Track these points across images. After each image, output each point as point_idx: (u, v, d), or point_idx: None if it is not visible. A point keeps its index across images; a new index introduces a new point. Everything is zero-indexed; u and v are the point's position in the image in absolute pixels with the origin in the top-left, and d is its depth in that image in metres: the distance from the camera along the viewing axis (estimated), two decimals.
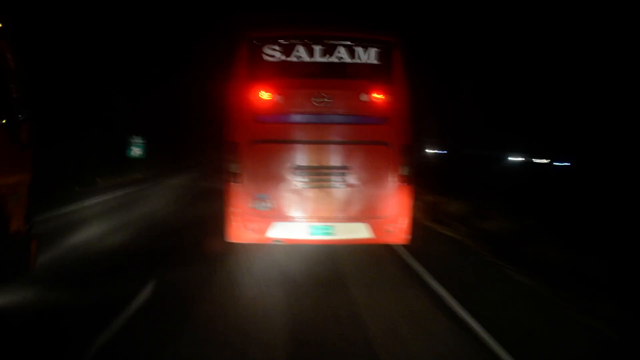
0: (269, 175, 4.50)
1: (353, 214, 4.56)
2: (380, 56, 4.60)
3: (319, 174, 4.52)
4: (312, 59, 4.56)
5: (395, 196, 4.56)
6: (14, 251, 3.28)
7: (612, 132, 21.09)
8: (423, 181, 7.29)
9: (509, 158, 29.13)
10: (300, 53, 4.56)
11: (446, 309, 3.71)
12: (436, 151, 27.57)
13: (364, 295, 4.05)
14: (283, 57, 4.55)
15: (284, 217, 4.53)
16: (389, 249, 5.28)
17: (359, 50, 4.59)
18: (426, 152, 24.39)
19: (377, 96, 4.52)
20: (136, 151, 14.81)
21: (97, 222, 6.71)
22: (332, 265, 4.86)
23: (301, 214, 4.54)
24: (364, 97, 4.51)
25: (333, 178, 4.53)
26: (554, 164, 26.44)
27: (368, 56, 4.60)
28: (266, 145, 4.49)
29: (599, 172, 17.27)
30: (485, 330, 3.21)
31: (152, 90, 14.46)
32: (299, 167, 4.49)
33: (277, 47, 4.54)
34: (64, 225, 6.42)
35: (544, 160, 27.91)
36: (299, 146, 4.52)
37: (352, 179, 4.52)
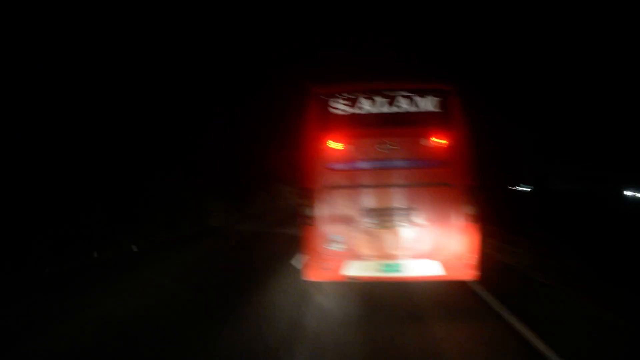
0: (341, 218, 4.88)
1: (421, 251, 4.82)
2: (439, 104, 4.97)
3: (387, 215, 4.85)
4: (375, 110, 4.99)
5: (462, 234, 4.79)
6: None
7: None
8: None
9: (628, 192, 21.87)
10: (364, 105, 5.01)
11: None
12: (519, 187, 24.23)
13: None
14: (348, 110, 5.02)
15: (356, 256, 4.86)
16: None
17: (418, 99, 4.98)
18: (508, 188, 21.42)
19: (438, 141, 4.86)
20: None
21: None
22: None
23: (372, 253, 4.85)
24: (425, 143, 4.86)
25: (400, 218, 4.84)
26: None
27: (427, 104, 4.97)
28: (337, 190, 4.90)
29: None
30: None
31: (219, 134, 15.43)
32: (369, 209, 4.85)
33: (342, 101, 5.03)
34: None
35: None
36: (368, 190, 4.88)
37: (418, 218, 4.82)
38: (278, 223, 14.18)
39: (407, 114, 4.98)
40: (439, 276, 4.81)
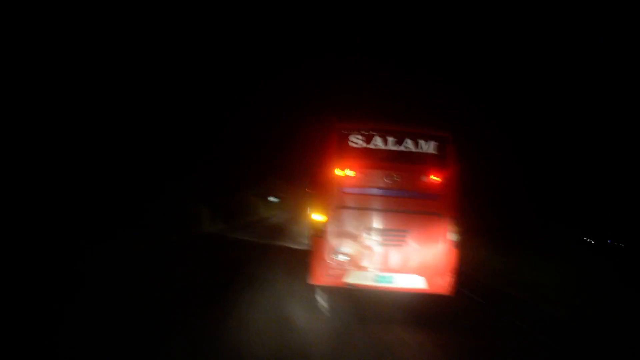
0: (347, 233, 5.84)
1: (411, 268, 5.84)
2: (437, 147, 6.02)
3: (386, 234, 5.84)
4: (386, 147, 6.00)
5: (445, 256, 5.85)
6: None
7: None
8: None
9: None
10: (377, 141, 6.00)
11: None
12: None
13: None
14: (363, 144, 5.99)
15: (357, 267, 5.82)
16: None
17: (422, 142, 6.02)
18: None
19: (434, 178, 5.91)
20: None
21: None
22: None
23: (370, 265, 5.83)
24: (424, 178, 5.90)
25: (397, 238, 5.84)
26: None
27: (428, 147, 6.02)
28: (347, 210, 5.85)
29: None
30: None
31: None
32: (371, 229, 5.83)
33: (359, 136, 6.00)
34: None
35: None
36: (373, 212, 5.86)
37: (411, 240, 5.84)
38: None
39: (411, 153, 6.01)
40: (422, 289, 5.85)
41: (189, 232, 13.43)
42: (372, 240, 5.83)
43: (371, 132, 6.02)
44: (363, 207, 5.88)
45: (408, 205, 5.89)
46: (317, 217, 5.93)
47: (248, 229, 18.50)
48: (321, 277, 5.89)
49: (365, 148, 6.00)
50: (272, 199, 24.97)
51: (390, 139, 6.01)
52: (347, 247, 5.83)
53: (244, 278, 7.63)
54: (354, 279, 5.84)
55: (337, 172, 5.87)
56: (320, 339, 4.81)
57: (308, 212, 9.27)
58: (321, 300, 6.25)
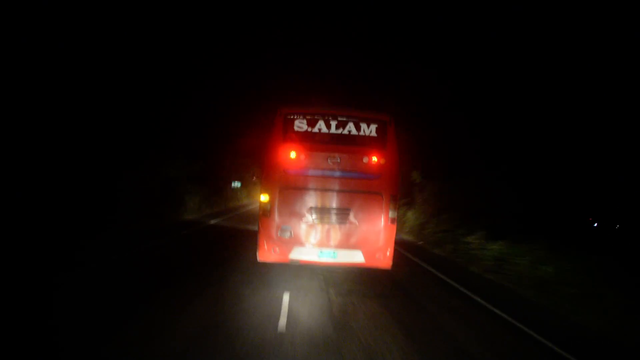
0: (292, 212, 6.18)
1: (352, 244, 6.19)
2: (377, 130, 6.38)
3: (328, 213, 6.20)
4: (329, 131, 6.35)
5: (384, 232, 6.20)
6: None
7: None
8: None
9: None
10: (320, 126, 6.35)
11: None
12: None
13: None
14: (308, 128, 6.35)
15: (300, 243, 6.17)
16: None
17: (363, 125, 6.38)
18: None
19: (374, 159, 6.26)
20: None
21: None
22: None
23: (313, 242, 6.18)
24: (365, 160, 6.25)
25: (339, 216, 6.20)
26: None
27: (369, 130, 6.38)
28: (292, 190, 6.20)
29: None
30: None
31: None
32: (315, 207, 6.18)
33: (304, 121, 6.35)
34: None
35: None
36: (316, 192, 6.21)
37: (352, 218, 6.20)
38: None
39: (353, 136, 6.37)
40: (361, 263, 6.20)
41: (171, 218, 14.08)
42: (316, 219, 6.17)
43: (315, 117, 6.37)
44: (307, 188, 6.22)
45: (350, 185, 6.25)
46: (264, 197, 6.27)
47: (227, 214, 19.08)
48: (268, 255, 6.23)
49: (309, 132, 6.34)
50: (235, 183, 25.26)
51: (333, 123, 6.36)
52: (291, 225, 6.17)
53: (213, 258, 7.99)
54: (299, 255, 6.18)
55: (282, 154, 6.22)
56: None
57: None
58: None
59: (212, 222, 15.26)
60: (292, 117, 6.36)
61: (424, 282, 7.87)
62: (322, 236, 6.19)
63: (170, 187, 15.00)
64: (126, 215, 10.89)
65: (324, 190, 6.23)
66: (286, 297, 5.70)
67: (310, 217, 6.18)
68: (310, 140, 6.32)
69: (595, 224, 24.11)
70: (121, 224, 10.45)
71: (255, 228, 7.01)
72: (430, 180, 15.51)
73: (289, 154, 6.21)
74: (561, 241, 9.98)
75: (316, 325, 4.83)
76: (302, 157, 6.21)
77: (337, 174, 6.24)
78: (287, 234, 6.17)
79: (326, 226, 6.20)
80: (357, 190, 6.27)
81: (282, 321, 4.80)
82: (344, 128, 6.37)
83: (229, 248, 9.70)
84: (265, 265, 6.77)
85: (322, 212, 6.19)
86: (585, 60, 14.22)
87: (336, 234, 6.20)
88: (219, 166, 22.21)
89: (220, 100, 17.60)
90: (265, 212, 6.21)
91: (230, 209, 22.12)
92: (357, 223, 6.21)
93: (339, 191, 6.24)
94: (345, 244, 6.19)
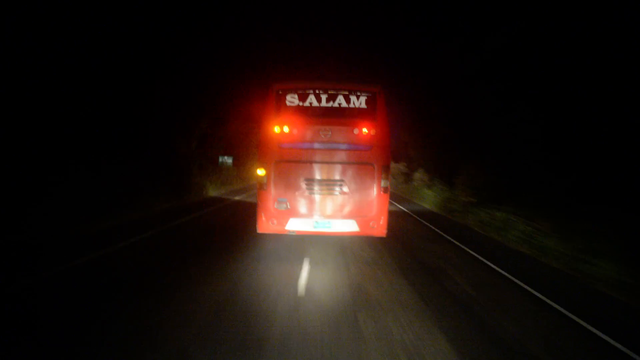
0: (287, 185, 6.42)
1: (346, 213, 6.42)
2: (367, 102, 6.48)
3: (322, 184, 6.41)
4: (320, 104, 6.49)
5: (377, 202, 6.39)
6: None
7: None
8: None
9: None
10: (312, 100, 6.49)
11: None
12: None
13: None
14: (299, 103, 6.50)
15: (296, 215, 6.43)
16: None
17: (353, 97, 6.49)
18: None
19: (366, 131, 6.39)
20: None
21: None
22: None
23: (309, 213, 6.43)
24: (356, 131, 6.39)
25: (332, 187, 6.41)
26: None
27: (359, 102, 6.49)
28: (287, 164, 6.42)
29: None
30: None
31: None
32: (309, 179, 6.40)
33: (295, 95, 6.50)
34: None
35: None
36: (309, 165, 6.42)
37: (346, 188, 6.40)
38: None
39: (343, 109, 6.49)
40: (356, 232, 6.43)
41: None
42: (310, 190, 6.41)
43: (306, 92, 6.51)
44: (300, 161, 6.43)
45: (342, 157, 6.42)
46: (260, 171, 6.52)
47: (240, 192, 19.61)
48: (267, 226, 6.53)
49: (301, 106, 6.50)
50: (225, 158, 21.31)
51: (323, 97, 6.49)
52: (287, 198, 6.43)
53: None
54: (295, 226, 6.46)
55: (276, 129, 6.42)
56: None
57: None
58: None
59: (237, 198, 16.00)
60: (283, 92, 6.51)
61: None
62: (317, 207, 6.43)
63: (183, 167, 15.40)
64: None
65: (317, 162, 6.42)
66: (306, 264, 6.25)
67: (305, 189, 6.41)
68: (303, 115, 6.48)
69: None
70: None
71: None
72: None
73: (282, 129, 6.40)
74: None
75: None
76: (295, 131, 6.39)
77: (330, 146, 6.41)
78: (284, 206, 6.43)
79: (320, 197, 6.43)
80: (350, 162, 6.44)
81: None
82: (334, 101, 6.49)
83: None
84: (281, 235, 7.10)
85: (316, 184, 6.41)
86: None
87: (330, 204, 6.43)
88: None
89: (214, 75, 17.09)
90: (262, 186, 6.47)
91: (246, 188, 22.54)
92: (350, 193, 6.41)
93: (332, 163, 6.42)
94: (340, 214, 6.42)
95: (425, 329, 4.09)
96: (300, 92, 6.50)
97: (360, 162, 6.44)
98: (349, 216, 6.42)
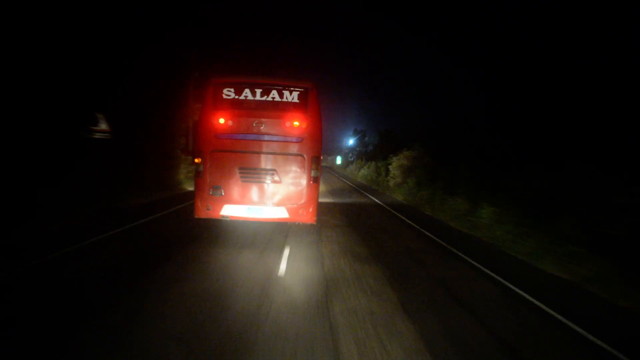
0: (222, 173, 6.76)
1: (277, 201, 6.80)
2: (300, 97, 6.91)
3: (255, 173, 6.78)
4: (254, 98, 6.88)
5: (306, 190, 6.80)
6: None
7: None
8: None
9: None
10: (247, 93, 6.88)
11: None
12: None
13: None
14: (235, 96, 6.87)
15: (231, 201, 6.77)
16: None
17: (287, 92, 6.90)
18: None
19: (297, 123, 6.81)
20: None
21: None
22: None
23: (242, 200, 6.79)
24: (288, 124, 6.80)
25: (265, 176, 6.79)
26: None
27: (292, 97, 6.90)
28: (221, 153, 6.76)
29: None
30: None
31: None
32: (242, 168, 6.76)
33: (231, 89, 6.87)
34: None
35: None
36: (243, 154, 6.77)
37: (277, 177, 6.78)
38: None
39: (277, 102, 6.90)
40: (286, 219, 6.82)
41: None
42: (243, 178, 6.77)
43: (242, 86, 6.90)
44: (235, 150, 6.79)
45: (274, 148, 6.81)
46: (197, 160, 6.84)
47: None
48: (202, 212, 6.84)
49: (236, 99, 6.88)
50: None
51: (258, 91, 6.89)
52: (221, 185, 6.77)
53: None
54: (229, 212, 6.80)
55: (212, 120, 6.77)
56: None
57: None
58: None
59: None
60: (221, 86, 6.87)
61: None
62: (250, 194, 6.79)
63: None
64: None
65: (250, 152, 6.79)
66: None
67: (239, 177, 6.76)
68: (238, 107, 6.85)
69: None
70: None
71: None
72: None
73: (218, 120, 6.75)
74: None
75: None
76: (230, 122, 6.75)
77: (263, 137, 6.79)
78: (218, 193, 6.77)
79: (253, 185, 6.80)
80: (281, 152, 6.83)
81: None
82: (268, 95, 6.89)
83: None
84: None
85: (250, 172, 6.77)
86: None
87: (262, 192, 6.80)
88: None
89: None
90: (199, 174, 6.80)
91: None
92: (281, 182, 6.80)
93: (265, 153, 6.80)
94: (271, 201, 6.80)
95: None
96: (237, 86, 6.88)
97: (292, 153, 6.84)
98: (280, 203, 6.80)
